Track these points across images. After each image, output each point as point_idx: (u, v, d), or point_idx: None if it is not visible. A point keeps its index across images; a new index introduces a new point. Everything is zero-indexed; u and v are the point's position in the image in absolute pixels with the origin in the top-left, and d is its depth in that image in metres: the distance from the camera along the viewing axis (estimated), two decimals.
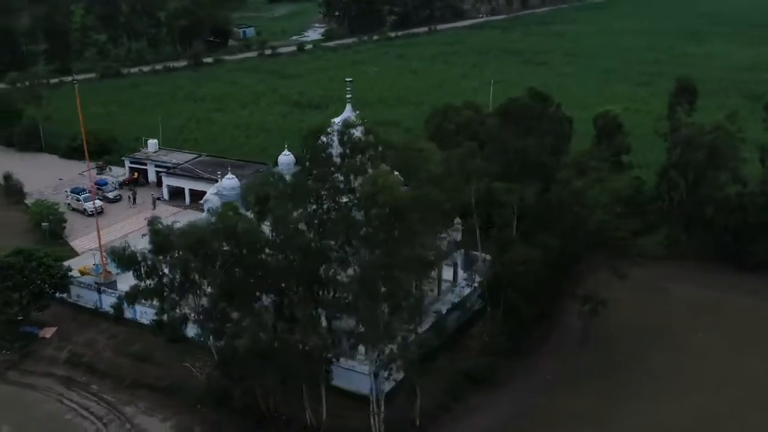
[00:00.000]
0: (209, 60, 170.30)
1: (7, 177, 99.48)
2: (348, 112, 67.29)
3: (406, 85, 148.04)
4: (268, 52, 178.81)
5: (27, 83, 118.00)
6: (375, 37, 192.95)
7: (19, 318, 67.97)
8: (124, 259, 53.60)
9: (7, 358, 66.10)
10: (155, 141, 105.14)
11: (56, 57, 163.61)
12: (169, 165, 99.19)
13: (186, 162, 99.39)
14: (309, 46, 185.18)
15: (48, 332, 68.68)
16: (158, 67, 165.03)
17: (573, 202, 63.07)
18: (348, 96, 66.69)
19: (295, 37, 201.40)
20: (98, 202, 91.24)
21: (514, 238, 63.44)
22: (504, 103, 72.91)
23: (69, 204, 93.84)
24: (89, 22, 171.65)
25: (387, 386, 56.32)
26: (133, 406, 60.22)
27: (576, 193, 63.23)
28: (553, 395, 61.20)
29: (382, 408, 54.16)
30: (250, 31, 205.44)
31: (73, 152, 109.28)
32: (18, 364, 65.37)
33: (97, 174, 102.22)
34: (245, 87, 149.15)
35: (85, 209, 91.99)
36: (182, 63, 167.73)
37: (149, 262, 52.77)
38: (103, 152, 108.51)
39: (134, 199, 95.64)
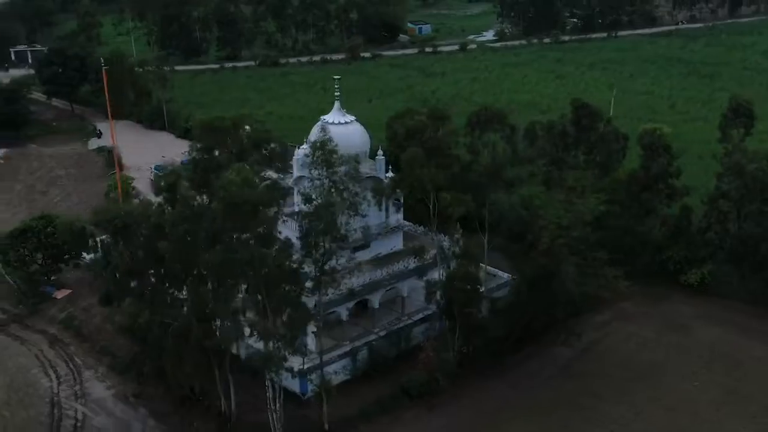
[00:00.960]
0: (366, 54, 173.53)
1: (110, 150, 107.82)
2: (336, 110, 67.34)
3: (542, 91, 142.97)
4: (428, 49, 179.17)
5: (155, 67, 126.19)
6: (546, 40, 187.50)
7: (41, 278, 73.99)
8: (74, 235, 57.24)
9: (18, 312, 72.32)
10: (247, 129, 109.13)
11: (227, 44, 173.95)
12: None
13: None
14: (472, 46, 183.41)
15: (61, 294, 74.28)
16: (316, 58, 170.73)
17: (530, 220, 58.96)
18: (336, 94, 66.82)
19: (471, 36, 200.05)
20: None
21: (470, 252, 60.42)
22: (474, 111, 69.60)
23: (151, 179, 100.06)
24: (260, 13, 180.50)
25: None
26: (92, 370, 64.01)
27: (530, 210, 59.09)
28: (493, 422, 57.84)
29: (277, 406, 53.77)
30: (426, 29, 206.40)
31: (186, 132, 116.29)
32: (24, 318, 71.39)
33: None
34: (383, 82, 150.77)
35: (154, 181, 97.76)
36: (340, 56, 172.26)
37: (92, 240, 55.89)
38: None
39: None
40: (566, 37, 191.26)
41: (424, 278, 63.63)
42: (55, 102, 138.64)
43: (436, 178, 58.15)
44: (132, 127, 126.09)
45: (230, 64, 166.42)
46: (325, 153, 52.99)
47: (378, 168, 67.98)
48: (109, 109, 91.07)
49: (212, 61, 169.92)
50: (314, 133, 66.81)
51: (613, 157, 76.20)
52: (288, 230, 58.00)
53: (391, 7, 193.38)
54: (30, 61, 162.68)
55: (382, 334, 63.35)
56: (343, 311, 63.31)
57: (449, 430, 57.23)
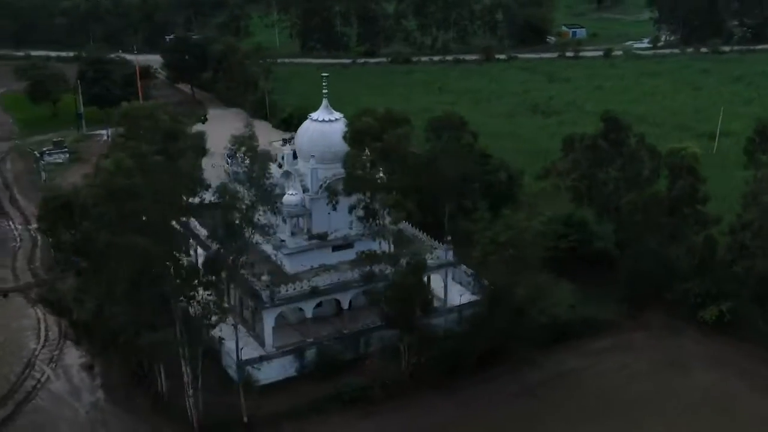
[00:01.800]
0: (502, 56, 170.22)
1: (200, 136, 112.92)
2: (324, 108, 67.16)
3: (666, 104, 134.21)
4: (569, 54, 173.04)
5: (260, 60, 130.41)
6: (703, 50, 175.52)
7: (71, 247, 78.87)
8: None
9: (46, 278, 77.50)
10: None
11: (366, 40, 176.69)
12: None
13: None
14: (617, 53, 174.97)
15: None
16: (449, 58, 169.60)
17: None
18: (324, 92, 66.62)
19: (629, 43, 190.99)
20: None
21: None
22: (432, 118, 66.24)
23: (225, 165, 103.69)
24: (401, 10, 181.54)
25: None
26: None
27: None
28: None
29: (190, 392, 54.55)
30: (581, 32, 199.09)
31: (280, 123, 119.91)
32: (46, 284, 76.33)
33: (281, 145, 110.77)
34: (502, 85, 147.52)
35: (227, 172, 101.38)
36: (474, 57, 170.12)
37: None
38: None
39: None
40: (728, 48, 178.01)
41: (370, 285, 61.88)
42: (183, 87, 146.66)
43: (380, 181, 56.46)
44: (238, 114, 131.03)
45: (363, 60, 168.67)
46: (248, 149, 53.01)
47: None
48: (141, 97, 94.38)
49: (350, 56, 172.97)
50: (300, 131, 67.10)
51: (642, 175, 70.38)
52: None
53: (541, 9, 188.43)
54: None
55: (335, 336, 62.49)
56: (307, 308, 62.97)
57: None
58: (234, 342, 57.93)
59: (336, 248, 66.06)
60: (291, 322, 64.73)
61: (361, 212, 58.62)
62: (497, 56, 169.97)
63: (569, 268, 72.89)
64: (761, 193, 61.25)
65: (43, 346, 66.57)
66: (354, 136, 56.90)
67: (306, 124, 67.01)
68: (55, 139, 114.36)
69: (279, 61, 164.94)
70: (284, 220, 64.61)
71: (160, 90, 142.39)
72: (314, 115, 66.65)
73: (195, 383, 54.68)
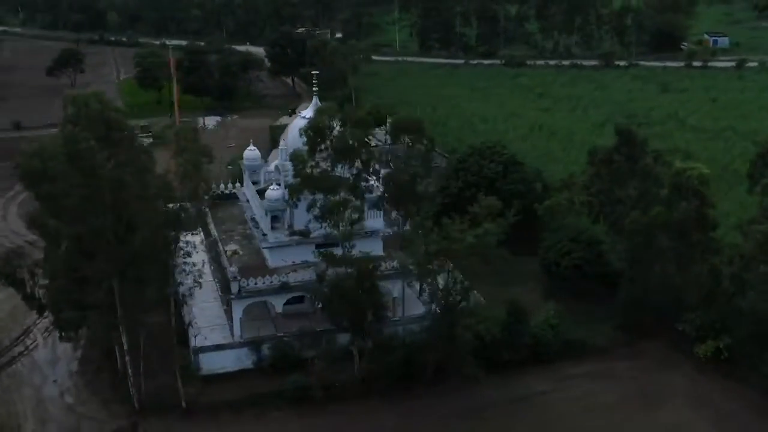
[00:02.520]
0: (622, 63, 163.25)
1: (272, 128, 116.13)
2: (313, 105, 67.37)
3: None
4: (697, 63, 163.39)
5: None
6: None
7: None
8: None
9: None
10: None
11: (485, 41, 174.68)
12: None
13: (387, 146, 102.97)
14: (752, 64, 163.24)
15: None
16: (565, 62, 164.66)
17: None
18: (314, 89, 66.81)
19: None
20: None
21: None
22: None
23: None
24: (523, 12, 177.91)
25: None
26: None
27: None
28: None
29: (130, 372, 56.36)
30: (723, 41, 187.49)
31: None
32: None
33: None
34: (607, 93, 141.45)
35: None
36: (593, 62, 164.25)
37: None
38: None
39: None
40: None
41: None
42: (288, 80, 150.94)
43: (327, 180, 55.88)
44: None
45: (476, 61, 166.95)
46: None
47: None
48: (176, 94, 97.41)
49: (466, 56, 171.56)
50: (290, 127, 67.45)
51: (652, 194, 65.65)
52: None
53: (676, 16, 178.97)
54: None
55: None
56: (278, 303, 63.45)
57: None
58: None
59: (319, 246, 65.92)
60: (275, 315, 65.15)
61: (317, 211, 58.31)
62: (617, 63, 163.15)
63: (577, 287, 70.04)
64: (756, 222, 55.58)
65: (43, 317, 70.33)
66: (308, 134, 56.64)
67: (296, 121, 67.41)
68: (142, 124, 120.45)
69: (395, 59, 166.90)
70: (266, 214, 65.41)
71: (264, 82, 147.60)
72: (303, 112, 66.95)
73: (136, 366, 56.37)
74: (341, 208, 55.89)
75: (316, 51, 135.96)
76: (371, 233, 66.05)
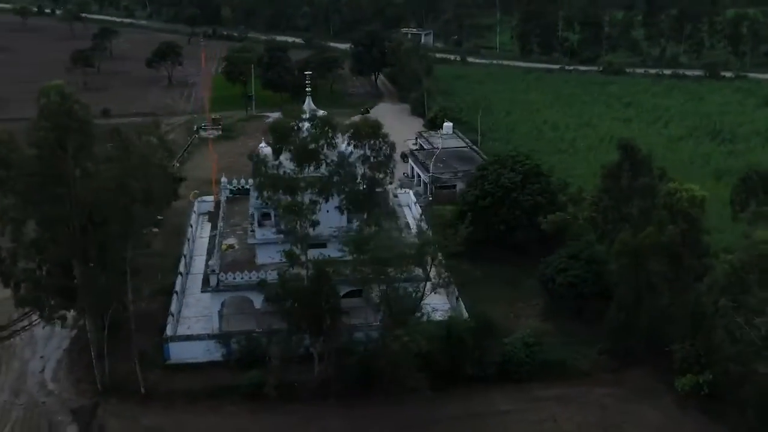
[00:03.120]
0: (728, 74, 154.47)
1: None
2: (305, 106, 67.57)
3: None
4: None
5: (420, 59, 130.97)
6: None
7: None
8: None
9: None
10: (450, 125, 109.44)
11: (587, 47, 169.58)
12: (421, 149, 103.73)
13: (438, 149, 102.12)
14: None
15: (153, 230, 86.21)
16: (666, 71, 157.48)
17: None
18: (308, 89, 66.98)
19: None
20: None
21: None
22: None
23: None
24: (628, 18, 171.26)
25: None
26: None
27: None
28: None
29: (93, 355, 58.56)
30: None
31: (427, 122, 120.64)
32: None
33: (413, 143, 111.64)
34: (696, 106, 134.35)
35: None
36: (696, 72, 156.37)
37: None
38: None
39: None
40: None
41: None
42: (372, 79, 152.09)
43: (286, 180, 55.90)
44: (402, 110, 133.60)
45: (572, 67, 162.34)
46: None
47: None
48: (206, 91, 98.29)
49: (565, 62, 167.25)
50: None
51: (650, 214, 61.98)
52: None
53: None
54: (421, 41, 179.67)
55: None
56: (256, 299, 64.17)
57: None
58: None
59: (311, 246, 66.08)
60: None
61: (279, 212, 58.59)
62: (723, 74, 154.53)
63: (576, 306, 67.33)
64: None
65: None
66: (272, 134, 56.93)
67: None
68: (213, 117, 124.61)
69: (491, 62, 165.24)
70: (255, 211, 66.38)
71: (352, 80, 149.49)
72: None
73: (99, 349, 58.56)
74: (298, 210, 55.85)
75: (392, 51, 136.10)
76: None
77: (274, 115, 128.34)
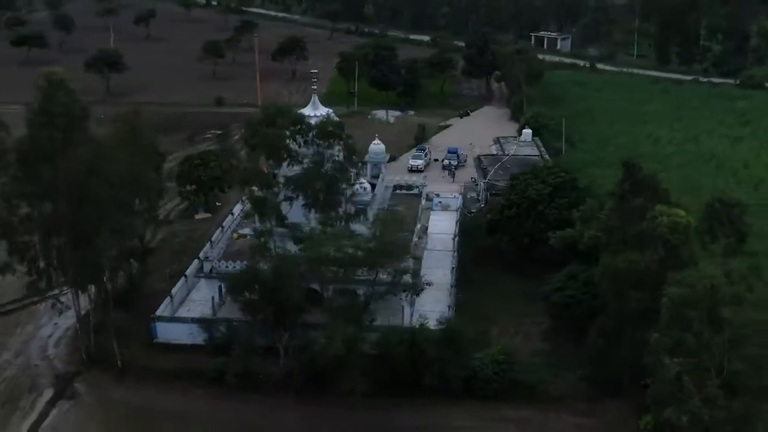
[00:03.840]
0: None
1: (422, 126, 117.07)
2: (312, 104, 68.43)
3: None
4: None
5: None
6: None
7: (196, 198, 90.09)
8: None
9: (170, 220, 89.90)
10: (530, 132, 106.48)
11: (728, 58, 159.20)
12: (490, 154, 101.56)
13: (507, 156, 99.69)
14: None
15: (200, 216, 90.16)
16: None
17: None
18: (314, 87, 67.63)
19: None
20: (419, 162, 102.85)
21: None
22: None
23: (443, 161, 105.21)
24: None
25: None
26: None
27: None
28: None
29: (78, 327, 62.27)
30: None
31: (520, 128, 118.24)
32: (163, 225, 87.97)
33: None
34: None
35: (410, 164, 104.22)
36: None
37: None
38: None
39: (453, 174, 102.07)
40: None
41: None
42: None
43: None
44: (504, 114, 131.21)
45: (705, 79, 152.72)
46: None
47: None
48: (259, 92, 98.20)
49: (703, 73, 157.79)
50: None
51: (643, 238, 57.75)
52: None
53: None
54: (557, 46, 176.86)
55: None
56: None
57: (207, 417, 58.05)
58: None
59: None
60: None
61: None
62: None
63: (575, 327, 64.27)
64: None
65: None
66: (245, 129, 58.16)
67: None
68: None
69: (620, 69, 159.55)
70: None
71: (462, 82, 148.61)
72: (305, 111, 67.78)
73: (85, 322, 62.23)
74: (262, 203, 56.82)
75: (498, 55, 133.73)
76: None
77: (376, 113, 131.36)
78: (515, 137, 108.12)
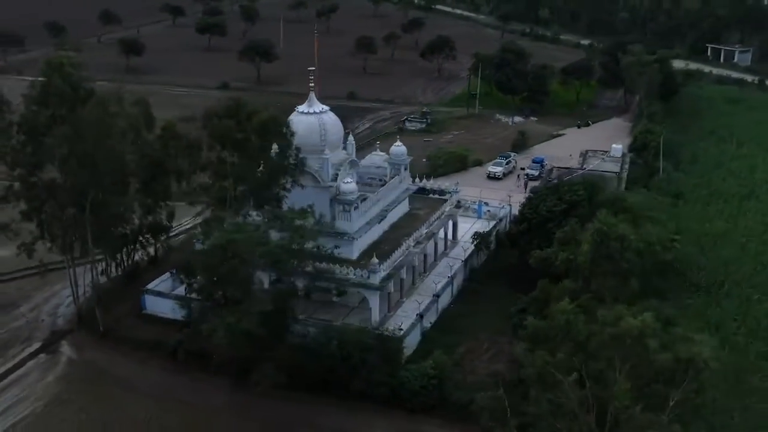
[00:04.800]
0: None
1: (522, 133, 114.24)
2: (309, 101, 69.68)
3: None
4: None
5: None
6: None
7: None
8: None
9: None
10: (620, 147, 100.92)
11: None
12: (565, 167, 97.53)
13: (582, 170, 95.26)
14: None
15: None
16: None
17: None
18: (311, 85, 68.84)
19: None
20: (498, 169, 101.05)
21: None
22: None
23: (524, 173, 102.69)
24: None
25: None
26: None
27: None
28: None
29: (73, 291, 68.14)
30: None
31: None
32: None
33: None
34: None
35: (489, 171, 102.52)
36: None
37: None
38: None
39: (525, 185, 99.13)
40: None
41: None
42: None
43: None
44: (625, 128, 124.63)
45: None
46: None
47: (350, 152, 71.78)
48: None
49: None
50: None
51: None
52: None
53: None
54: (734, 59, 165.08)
55: None
56: None
57: (148, 387, 61.42)
58: None
59: None
60: None
61: None
62: None
63: None
64: None
65: None
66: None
67: (295, 117, 68.51)
68: (423, 110, 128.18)
69: None
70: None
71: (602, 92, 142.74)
72: (301, 108, 68.98)
73: (74, 290, 68.11)
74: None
75: (625, 65, 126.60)
76: None
77: (500, 117, 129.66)
78: (605, 152, 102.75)
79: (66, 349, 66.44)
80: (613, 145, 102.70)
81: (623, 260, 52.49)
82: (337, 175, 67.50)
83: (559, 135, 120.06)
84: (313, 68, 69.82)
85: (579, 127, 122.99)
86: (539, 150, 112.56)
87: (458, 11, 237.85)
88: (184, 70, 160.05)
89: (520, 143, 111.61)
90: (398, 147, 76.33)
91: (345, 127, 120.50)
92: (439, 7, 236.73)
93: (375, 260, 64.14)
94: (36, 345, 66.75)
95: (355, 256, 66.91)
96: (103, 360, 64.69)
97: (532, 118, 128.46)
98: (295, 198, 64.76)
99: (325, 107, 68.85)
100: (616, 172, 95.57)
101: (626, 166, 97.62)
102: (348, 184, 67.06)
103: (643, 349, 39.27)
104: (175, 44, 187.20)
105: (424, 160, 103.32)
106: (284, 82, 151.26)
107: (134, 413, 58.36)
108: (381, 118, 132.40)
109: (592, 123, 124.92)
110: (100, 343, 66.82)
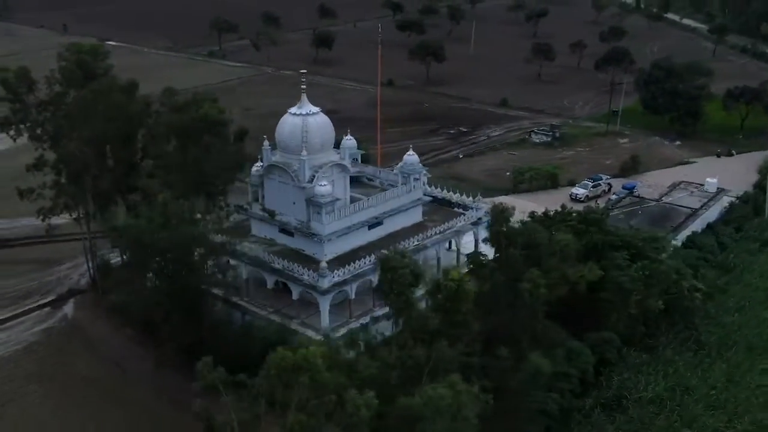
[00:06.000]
0: None
1: (635, 157, 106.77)
2: (303, 102, 71.26)
3: None
4: None
5: None
6: None
7: None
8: None
9: None
10: (715, 181, 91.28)
11: None
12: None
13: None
14: None
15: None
16: None
17: None
18: (303, 87, 70.21)
19: None
20: (582, 191, 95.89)
21: None
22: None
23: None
24: None
25: None
26: None
27: None
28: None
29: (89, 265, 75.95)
30: None
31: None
32: None
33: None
34: None
35: (571, 192, 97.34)
36: None
37: None
38: None
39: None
40: None
41: None
42: None
43: None
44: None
45: None
46: None
47: (344, 155, 72.13)
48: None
49: None
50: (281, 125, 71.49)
51: None
52: None
53: None
54: None
55: None
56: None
57: (108, 351, 67.01)
58: None
59: (281, 231, 71.50)
60: None
61: None
62: None
63: None
64: None
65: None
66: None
67: (284, 118, 70.06)
68: (553, 123, 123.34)
69: None
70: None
71: None
72: (292, 110, 70.23)
73: (92, 249, 75.75)
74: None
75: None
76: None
77: (634, 135, 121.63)
78: (700, 185, 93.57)
79: (68, 306, 74.16)
80: (708, 179, 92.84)
81: None
82: (314, 177, 68.59)
83: (688, 163, 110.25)
84: (305, 71, 70.86)
85: (718, 156, 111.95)
86: (654, 176, 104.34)
87: (686, 21, 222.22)
88: (361, 66, 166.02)
89: (630, 167, 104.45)
90: (410, 156, 75.66)
91: (471, 132, 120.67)
92: (669, 15, 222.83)
93: (324, 264, 64.89)
94: (50, 299, 75.18)
95: (324, 257, 67.83)
96: (85, 320, 71.68)
97: (676, 141, 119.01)
98: (279, 195, 67.15)
99: (315, 109, 69.49)
100: (694, 209, 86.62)
101: (712, 203, 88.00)
102: (322, 187, 67.93)
103: None
104: (374, 40, 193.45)
105: (507, 173, 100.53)
106: (450, 81, 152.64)
107: (78, 370, 64.48)
108: (516, 127, 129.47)
109: (736, 153, 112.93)
110: (95, 303, 73.87)
